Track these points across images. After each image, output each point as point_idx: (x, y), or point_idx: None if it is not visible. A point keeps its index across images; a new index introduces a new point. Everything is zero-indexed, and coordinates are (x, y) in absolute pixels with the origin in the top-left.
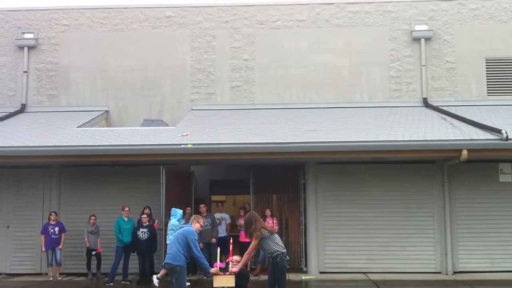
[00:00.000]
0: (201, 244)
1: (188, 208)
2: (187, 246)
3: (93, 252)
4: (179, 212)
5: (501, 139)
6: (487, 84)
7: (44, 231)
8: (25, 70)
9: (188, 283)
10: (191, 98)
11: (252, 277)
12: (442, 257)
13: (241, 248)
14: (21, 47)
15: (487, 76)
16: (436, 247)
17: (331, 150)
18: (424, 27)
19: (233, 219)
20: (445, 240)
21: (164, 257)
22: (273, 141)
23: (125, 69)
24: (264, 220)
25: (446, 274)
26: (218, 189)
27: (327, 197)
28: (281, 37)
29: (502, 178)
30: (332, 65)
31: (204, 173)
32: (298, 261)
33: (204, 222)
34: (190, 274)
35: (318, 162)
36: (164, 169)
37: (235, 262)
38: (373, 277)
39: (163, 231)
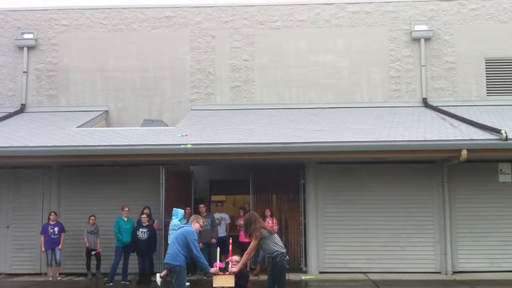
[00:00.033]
0: (200, 244)
1: (188, 208)
2: (186, 246)
3: (93, 252)
4: (180, 212)
5: (501, 139)
6: (487, 84)
7: (44, 231)
8: (25, 70)
9: (187, 283)
10: (190, 98)
11: (251, 277)
12: (442, 257)
13: (240, 248)
14: (20, 47)
15: (486, 76)
16: (436, 247)
17: (331, 150)
18: (424, 27)
19: (233, 219)
20: (445, 240)
21: (164, 257)
22: (273, 141)
23: (125, 69)
24: (264, 220)
25: (446, 274)
26: (217, 189)
27: (327, 197)
28: (281, 37)
29: (502, 178)
30: (332, 65)
31: (203, 173)
32: (297, 261)
33: (203, 222)
34: (190, 274)
35: (318, 162)
36: (163, 169)
37: (235, 262)
38: (373, 277)
39: (163, 231)
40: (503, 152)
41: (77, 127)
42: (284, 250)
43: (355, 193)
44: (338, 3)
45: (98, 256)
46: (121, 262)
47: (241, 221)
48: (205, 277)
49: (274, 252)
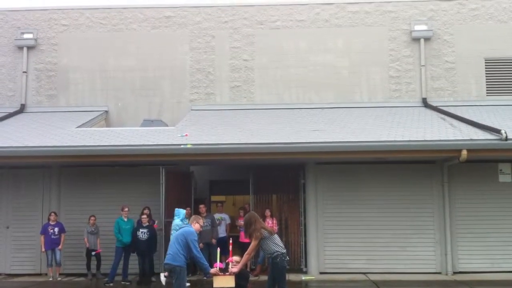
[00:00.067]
0: (201, 244)
1: (188, 209)
2: (186, 246)
3: (93, 253)
4: (182, 212)
5: (501, 139)
6: (487, 84)
7: (44, 231)
8: (25, 70)
9: (188, 284)
10: (190, 98)
11: (252, 278)
12: (442, 257)
13: (241, 249)
14: (20, 47)
15: (486, 76)
16: (436, 247)
17: (331, 150)
18: (424, 27)
19: (233, 219)
20: (445, 240)
21: (164, 257)
22: (273, 141)
23: (124, 69)
24: (264, 220)
25: (446, 274)
26: (217, 189)
27: (327, 197)
28: (281, 37)
29: (502, 178)
30: (331, 65)
31: (203, 174)
32: (298, 262)
33: (203, 223)
34: (190, 275)
35: (318, 162)
36: (163, 170)
37: (235, 263)
38: (373, 277)
39: (163, 232)
40: (503, 152)
41: (77, 127)
42: (284, 251)
43: (355, 193)
44: (337, 3)
45: (98, 256)
46: (121, 262)
47: (241, 222)
48: (205, 278)
49: (274, 252)
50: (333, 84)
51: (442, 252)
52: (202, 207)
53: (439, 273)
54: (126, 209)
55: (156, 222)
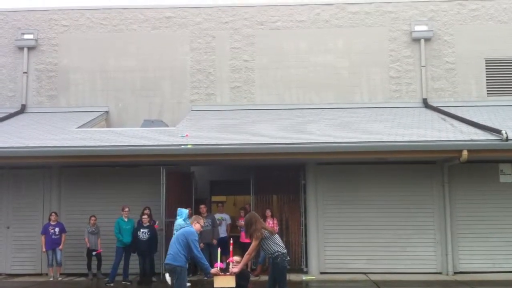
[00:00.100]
0: (201, 244)
1: (189, 209)
2: (187, 246)
3: (94, 253)
4: (185, 211)
5: (501, 140)
6: (487, 85)
7: (45, 231)
8: (25, 70)
9: (188, 284)
10: (191, 99)
11: (252, 278)
12: (443, 257)
13: (241, 249)
14: (21, 48)
15: (487, 77)
16: (436, 247)
17: (331, 151)
18: (424, 28)
19: (234, 219)
20: (445, 241)
21: (165, 257)
22: (273, 142)
23: (125, 69)
24: (265, 220)
25: (447, 274)
26: (218, 189)
27: (327, 198)
28: (281, 37)
29: (503, 179)
30: (332, 65)
31: (204, 174)
32: (298, 262)
33: (204, 223)
34: (191, 275)
35: (318, 163)
36: (164, 170)
37: (236, 263)
38: (374, 277)
39: (163, 232)
40: (504, 152)
41: (77, 127)
42: (285, 251)
43: (355, 194)
44: (338, 3)
45: (99, 256)
46: (122, 262)
47: (241, 222)
48: (206, 278)
49: (275, 252)
50: (334, 85)
51: (443, 252)
52: (202, 207)
53: (440, 273)
54: (127, 209)
55: (157, 222)
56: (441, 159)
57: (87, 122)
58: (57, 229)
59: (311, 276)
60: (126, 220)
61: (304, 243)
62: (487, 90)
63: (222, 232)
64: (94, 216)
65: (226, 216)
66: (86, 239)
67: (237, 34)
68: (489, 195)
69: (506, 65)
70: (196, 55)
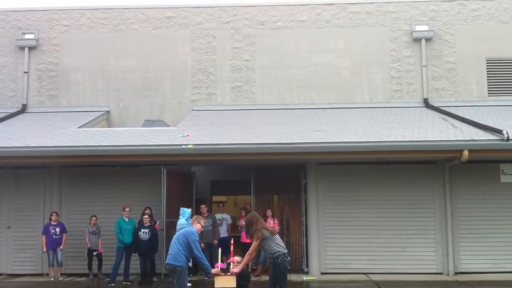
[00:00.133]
0: (202, 244)
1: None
2: (188, 246)
3: (94, 253)
4: (187, 211)
5: (502, 140)
6: (488, 85)
7: (45, 231)
8: (26, 70)
9: (189, 284)
10: (191, 99)
11: (253, 278)
12: (444, 257)
13: (242, 249)
14: (21, 48)
15: (487, 77)
16: (437, 247)
17: (332, 151)
18: (425, 28)
19: (234, 219)
20: (446, 241)
21: (166, 257)
22: (274, 142)
23: (125, 69)
24: (265, 220)
25: (448, 275)
26: (219, 189)
27: (328, 198)
28: (282, 37)
29: (503, 179)
30: (332, 65)
31: (205, 174)
32: (299, 262)
33: (205, 223)
34: (191, 275)
35: (319, 163)
36: (165, 170)
37: (236, 263)
38: (375, 277)
39: (164, 232)
40: (505, 152)
41: (78, 127)
42: (286, 251)
43: (356, 194)
44: (338, 3)
45: (99, 256)
46: (123, 262)
47: (242, 222)
48: (206, 278)
49: (276, 252)
50: (334, 85)
51: (444, 253)
52: (203, 207)
53: (441, 273)
54: (127, 209)
55: (157, 222)
56: (442, 159)
57: (88, 122)
58: (57, 229)
59: (312, 276)
60: (126, 220)
61: (304, 243)
62: (488, 90)
63: (223, 232)
64: (95, 216)
65: (227, 216)
66: (87, 239)
67: (238, 34)
68: (490, 195)
69: (507, 65)
70: (197, 55)
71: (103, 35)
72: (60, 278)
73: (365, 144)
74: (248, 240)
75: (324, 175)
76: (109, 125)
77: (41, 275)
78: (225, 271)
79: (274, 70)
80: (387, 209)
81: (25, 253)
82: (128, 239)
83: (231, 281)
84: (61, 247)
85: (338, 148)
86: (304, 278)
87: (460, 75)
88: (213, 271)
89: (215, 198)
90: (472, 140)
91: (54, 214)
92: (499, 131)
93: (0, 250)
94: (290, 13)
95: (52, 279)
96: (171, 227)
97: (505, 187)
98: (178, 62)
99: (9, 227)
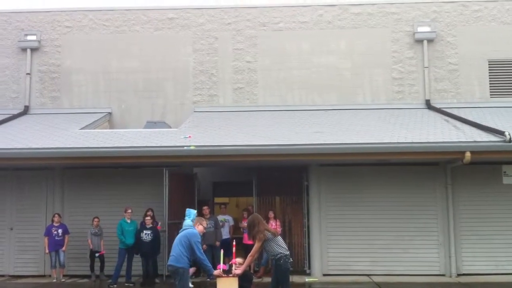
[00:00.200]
0: (204, 246)
1: None
2: (190, 248)
3: (97, 254)
4: (193, 212)
5: (504, 141)
6: (490, 86)
7: (48, 233)
8: (28, 72)
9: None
10: (193, 100)
11: (255, 279)
12: (446, 259)
13: (244, 250)
14: (24, 49)
15: (490, 78)
16: (439, 249)
17: (334, 152)
18: (427, 29)
19: (236, 221)
20: (448, 242)
21: (168, 259)
22: (276, 143)
23: (127, 71)
24: (267, 222)
25: (450, 276)
26: (221, 191)
27: (330, 199)
28: (284, 39)
29: (506, 180)
30: (334, 67)
31: (207, 175)
32: (301, 263)
33: (207, 224)
34: (194, 276)
35: (321, 164)
36: (167, 171)
37: (238, 264)
38: (377, 279)
39: (166, 233)
40: (507, 154)
41: (80, 129)
42: (288, 252)
43: (358, 195)
44: (340, 4)
45: (101, 258)
46: (125, 264)
47: (244, 223)
48: (208, 279)
49: (278, 254)
50: (336, 86)
51: (446, 254)
52: (205, 209)
53: (443, 275)
54: (129, 211)
55: (159, 223)
56: (444, 160)
57: (90, 124)
58: (60, 231)
59: (314, 277)
60: (128, 221)
61: (307, 245)
62: (490, 91)
63: (225, 233)
64: (97, 217)
65: (229, 217)
66: (89, 241)
67: (240, 35)
68: (492, 196)
69: (509, 66)
70: (198, 56)
71: (105, 37)
72: (63, 280)
73: (367, 145)
74: (250, 242)
75: (326, 176)
76: (111, 126)
77: (43, 276)
78: (227, 272)
79: (276, 71)
80: (389, 210)
81: (27, 254)
82: (130, 240)
83: (233, 282)
84: (63, 248)
85: (340, 150)
86: (306, 280)
87: (462, 76)
88: (215, 272)
89: (217, 200)
90: (474, 141)
91: (56, 215)
92: (501, 133)
93: (2, 251)
94: (292, 14)
95: (54, 280)
96: (173, 228)
97: (507, 189)
98: (180, 64)
99: (11, 229)
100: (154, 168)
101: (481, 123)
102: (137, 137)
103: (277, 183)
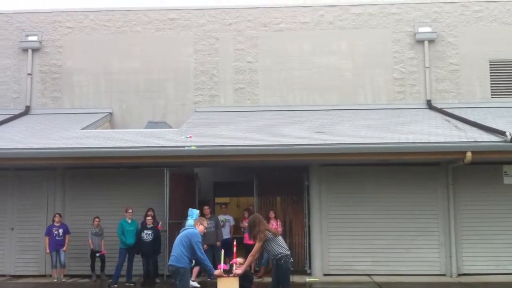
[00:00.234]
0: (205, 246)
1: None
2: (190, 248)
3: (97, 254)
4: (195, 212)
5: (505, 141)
6: (491, 86)
7: (49, 233)
8: (29, 72)
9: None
10: (194, 100)
11: (256, 279)
12: (447, 259)
13: (245, 250)
14: (25, 50)
15: (491, 78)
16: (440, 249)
17: (334, 152)
18: (428, 29)
19: (237, 221)
20: (449, 242)
21: (168, 259)
22: (277, 143)
23: (128, 71)
24: (268, 222)
25: (451, 276)
26: (222, 191)
27: (331, 199)
28: (285, 39)
29: (507, 180)
30: (335, 67)
31: (207, 175)
32: (302, 263)
33: (208, 224)
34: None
35: (322, 164)
36: (168, 171)
37: (239, 264)
38: (378, 279)
39: (167, 233)
40: (508, 154)
41: (82, 129)
42: (289, 252)
43: (359, 195)
44: (341, 5)
45: (102, 258)
46: (126, 264)
47: (245, 223)
48: (209, 279)
49: (279, 254)
50: (337, 86)
51: (447, 254)
52: (206, 209)
53: (444, 275)
54: (130, 211)
55: (160, 223)
56: (445, 160)
57: (91, 124)
58: (61, 231)
59: (315, 277)
60: (129, 221)
61: (307, 245)
62: (491, 92)
63: (226, 233)
64: (97, 217)
65: (229, 217)
66: (90, 241)
67: (241, 36)
68: (493, 196)
69: (510, 67)
70: (199, 56)
71: (106, 37)
72: (63, 280)
73: (368, 145)
74: (251, 242)
75: (327, 176)
76: (112, 126)
77: (44, 276)
78: (228, 272)
79: (277, 71)
80: (390, 210)
81: (28, 254)
82: (130, 240)
83: (234, 282)
84: (64, 248)
85: (341, 150)
86: (307, 280)
87: (463, 77)
88: (216, 272)
89: (218, 200)
90: (475, 141)
91: (57, 215)
92: (502, 133)
93: (3, 251)
94: (292, 15)
95: (55, 280)
96: (174, 228)
97: (508, 189)
98: (181, 64)
99: (12, 229)
100: (155, 168)
101: (482, 123)
102: (138, 137)
103: (278, 183)
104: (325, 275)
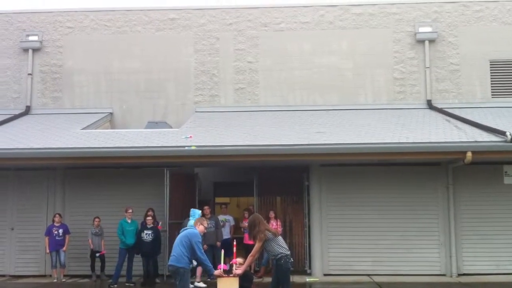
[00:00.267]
0: (205, 246)
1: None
2: (190, 248)
3: (97, 254)
4: (197, 212)
5: (506, 141)
6: (491, 86)
7: (48, 233)
8: (30, 72)
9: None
10: (195, 100)
11: (256, 279)
12: (447, 259)
13: (245, 250)
14: (25, 50)
15: (491, 78)
16: (440, 249)
17: (335, 152)
18: (428, 29)
19: (237, 221)
20: (449, 243)
21: (168, 259)
22: (277, 143)
23: (129, 71)
24: (268, 222)
25: (451, 276)
26: (222, 191)
27: (331, 199)
28: (285, 39)
29: (507, 180)
30: (336, 67)
31: (208, 175)
32: (302, 263)
33: (208, 224)
34: (194, 276)
35: (322, 164)
36: (168, 171)
37: (239, 264)
38: (378, 279)
39: (167, 233)
40: (508, 154)
41: (82, 129)
42: (289, 252)
43: (359, 195)
44: (342, 5)
45: (102, 258)
46: (125, 264)
47: (245, 223)
48: (209, 279)
49: (279, 254)
50: (338, 86)
51: (447, 254)
52: (206, 209)
53: (444, 275)
54: (130, 211)
55: (160, 223)
56: (445, 160)
57: (92, 124)
58: (60, 231)
59: (315, 277)
60: (129, 221)
61: (307, 245)
62: (492, 92)
63: (226, 233)
64: (97, 217)
65: (229, 217)
66: (90, 241)
67: (241, 36)
68: (493, 196)
69: (511, 67)
70: (200, 56)
71: (107, 37)
72: (63, 280)
73: (369, 145)
74: (250, 242)
75: (327, 176)
76: (113, 126)
77: (44, 276)
78: (228, 272)
79: (277, 71)
80: (390, 210)
81: (28, 254)
82: (130, 240)
83: (234, 282)
84: (64, 248)
85: (341, 150)
86: (307, 280)
87: (463, 77)
88: (216, 272)
89: (218, 200)
90: (476, 141)
91: (57, 215)
92: (502, 133)
93: (3, 251)
94: (293, 15)
95: (55, 280)
96: (174, 228)
97: (508, 189)
98: (181, 64)
99: (12, 229)
100: (155, 168)
101: (482, 123)
102: (138, 137)
103: (278, 183)
104: (325, 275)
